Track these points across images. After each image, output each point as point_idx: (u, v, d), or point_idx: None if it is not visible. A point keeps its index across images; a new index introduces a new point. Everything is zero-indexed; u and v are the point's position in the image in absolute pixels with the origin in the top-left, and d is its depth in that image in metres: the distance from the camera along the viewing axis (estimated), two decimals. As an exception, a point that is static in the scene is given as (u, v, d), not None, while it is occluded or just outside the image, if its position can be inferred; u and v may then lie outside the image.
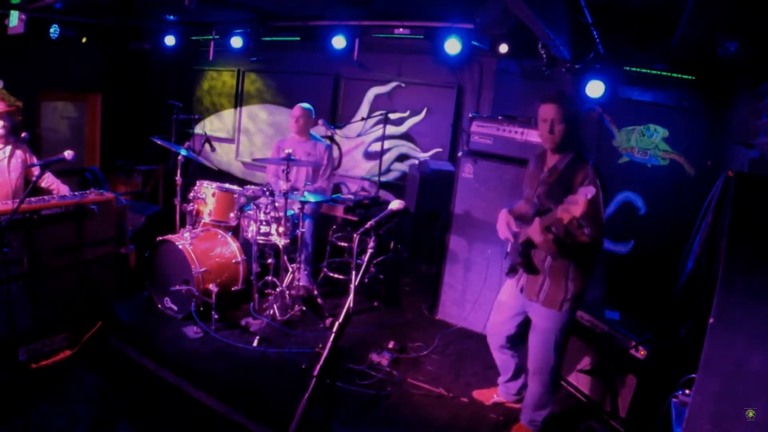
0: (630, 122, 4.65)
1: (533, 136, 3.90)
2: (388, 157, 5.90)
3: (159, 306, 4.17)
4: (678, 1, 2.85)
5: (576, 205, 2.19)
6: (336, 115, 6.20)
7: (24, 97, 3.77)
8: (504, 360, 3.20)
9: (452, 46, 4.77)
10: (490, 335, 3.19)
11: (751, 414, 1.58)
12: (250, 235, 4.21)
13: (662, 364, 2.93)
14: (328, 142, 5.52)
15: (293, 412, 1.66)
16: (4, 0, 4.68)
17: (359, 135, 6.08)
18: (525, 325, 2.99)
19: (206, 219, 4.36)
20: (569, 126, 2.63)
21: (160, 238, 4.13)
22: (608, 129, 4.73)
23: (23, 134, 3.65)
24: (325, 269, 4.94)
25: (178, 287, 3.91)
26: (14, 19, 4.73)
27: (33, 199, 3.45)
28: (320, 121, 4.91)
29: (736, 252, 1.69)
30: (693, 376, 1.75)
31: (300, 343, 3.85)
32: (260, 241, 4.18)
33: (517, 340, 3.08)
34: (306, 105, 4.80)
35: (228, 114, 7.11)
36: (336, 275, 4.92)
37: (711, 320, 1.66)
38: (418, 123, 5.77)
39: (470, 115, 4.32)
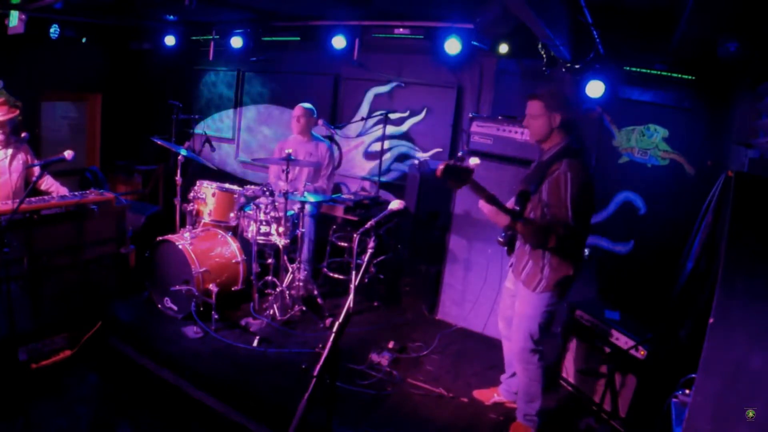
0: (630, 122, 4.65)
1: (533, 136, 3.91)
2: (388, 157, 5.90)
3: (159, 306, 4.17)
4: (678, 1, 2.85)
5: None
6: (336, 115, 6.20)
7: (24, 97, 3.77)
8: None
9: (452, 46, 4.77)
10: (499, 322, 3.22)
11: (751, 414, 1.58)
12: (250, 235, 4.21)
13: (662, 364, 2.93)
14: (329, 141, 5.52)
15: (293, 412, 1.66)
16: (4, 0, 4.68)
17: (359, 135, 6.08)
18: None
19: (206, 219, 4.37)
20: (550, 120, 2.74)
21: (160, 238, 4.12)
22: (608, 129, 4.73)
23: (23, 134, 3.65)
24: (325, 269, 4.94)
25: (178, 287, 3.91)
26: (14, 19, 4.73)
27: (33, 199, 3.46)
28: (320, 121, 4.92)
29: (736, 252, 1.68)
30: (693, 376, 1.75)
31: (300, 343, 3.85)
32: (260, 241, 4.19)
33: None
34: (307, 105, 4.81)
35: (228, 114, 7.11)
36: (336, 275, 4.92)
37: (711, 320, 1.66)
38: (418, 123, 5.77)
39: (470, 115, 4.33)
